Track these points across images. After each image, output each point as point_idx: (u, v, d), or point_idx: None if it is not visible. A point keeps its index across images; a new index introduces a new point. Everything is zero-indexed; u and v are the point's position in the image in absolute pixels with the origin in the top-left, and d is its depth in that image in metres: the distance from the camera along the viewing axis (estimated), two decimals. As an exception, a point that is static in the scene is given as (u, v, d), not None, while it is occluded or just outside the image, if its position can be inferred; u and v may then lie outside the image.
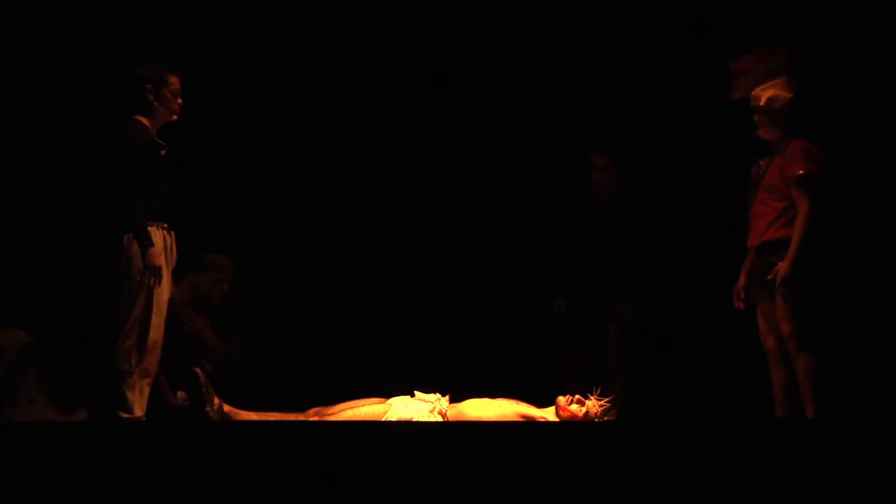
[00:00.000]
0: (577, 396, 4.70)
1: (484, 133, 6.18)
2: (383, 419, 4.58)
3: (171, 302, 4.73)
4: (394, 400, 4.72)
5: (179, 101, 4.65)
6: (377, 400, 4.72)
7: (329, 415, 4.62)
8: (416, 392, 4.76)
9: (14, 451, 3.55)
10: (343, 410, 4.62)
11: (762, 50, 4.80)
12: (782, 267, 4.49)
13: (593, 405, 4.67)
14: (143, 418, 4.46)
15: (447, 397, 4.76)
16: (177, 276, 4.83)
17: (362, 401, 4.70)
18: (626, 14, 6.01)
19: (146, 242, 4.44)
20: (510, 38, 6.10)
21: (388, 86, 6.18)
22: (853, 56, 5.46)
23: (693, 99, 5.82)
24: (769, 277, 4.54)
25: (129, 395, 4.40)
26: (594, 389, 4.74)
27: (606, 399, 4.72)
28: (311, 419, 4.63)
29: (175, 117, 4.66)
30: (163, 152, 4.59)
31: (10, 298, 5.25)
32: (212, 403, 4.56)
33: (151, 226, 4.49)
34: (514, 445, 3.69)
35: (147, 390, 4.49)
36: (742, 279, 4.77)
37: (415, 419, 4.57)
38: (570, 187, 5.93)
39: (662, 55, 5.96)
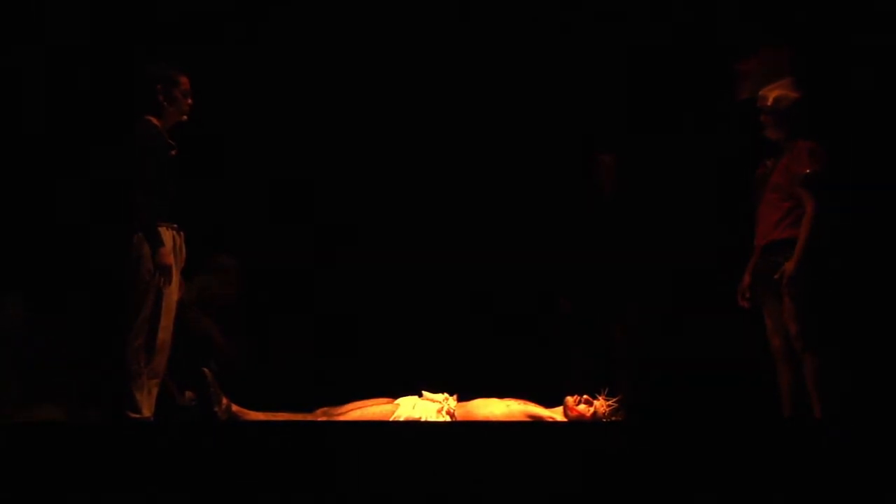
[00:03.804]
0: (585, 396, 4.71)
1: (489, 133, 6.18)
2: (391, 419, 4.59)
3: (179, 302, 4.74)
4: (402, 400, 4.73)
5: (189, 101, 4.66)
6: (385, 400, 4.73)
7: (337, 415, 4.63)
8: (424, 392, 4.77)
9: (21, 451, 3.55)
10: (351, 410, 4.63)
11: (766, 51, 4.81)
12: (789, 266, 4.49)
13: (601, 405, 4.68)
14: (152, 418, 4.46)
15: (455, 397, 4.77)
16: (185, 276, 4.83)
17: (370, 401, 4.71)
18: (628, 14, 6.02)
19: (156, 242, 4.44)
20: (511, 38, 6.11)
21: (391, 87, 6.18)
22: (854, 56, 5.47)
23: (698, 98, 5.83)
24: (776, 277, 4.54)
25: (138, 395, 4.39)
26: (601, 389, 4.75)
27: (614, 399, 4.73)
28: (318, 419, 4.64)
29: (185, 117, 4.68)
30: (173, 153, 4.60)
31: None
32: (220, 404, 4.57)
33: (161, 226, 4.49)
34: (523, 445, 3.69)
35: (155, 390, 4.49)
36: (746, 278, 4.78)
37: (423, 419, 4.58)
38: (576, 187, 5.93)
39: (665, 55, 5.97)
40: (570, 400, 4.70)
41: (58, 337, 5.24)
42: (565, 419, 4.68)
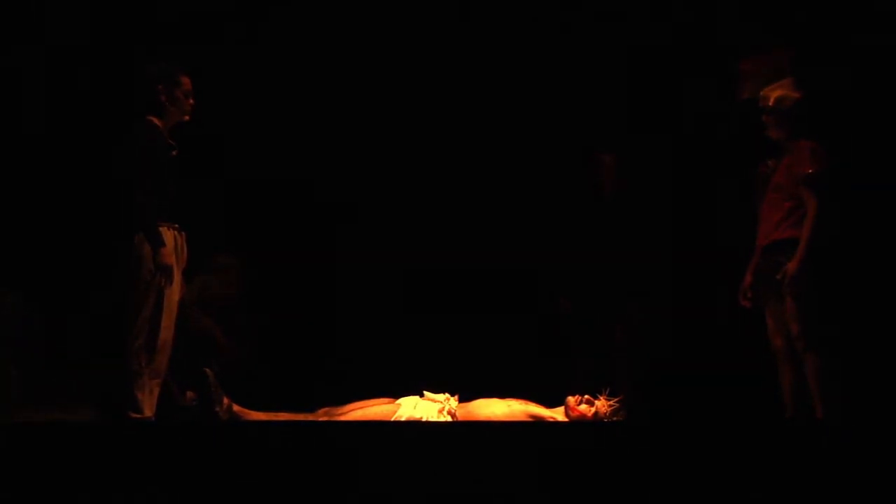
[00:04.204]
0: (586, 396, 4.71)
1: (490, 134, 6.18)
2: (393, 419, 4.59)
3: (181, 302, 4.73)
4: (403, 400, 4.73)
5: (191, 101, 4.65)
6: (386, 400, 4.74)
7: (338, 415, 4.63)
8: (426, 392, 4.77)
9: (21, 451, 3.55)
10: (352, 410, 4.63)
11: (766, 51, 4.81)
12: (791, 266, 4.49)
13: (602, 405, 4.69)
14: (153, 418, 4.46)
15: (456, 397, 4.77)
16: (186, 276, 4.83)
17: (372, 401, 4.72)
18: (628, 14, 6.02)
19: (157, 242, 4.43)
20: (512, 38, 6.11)
21: (391, 87, 6.18)
22: (854, 56, 5.47)
23: (698, 98, 5.83)
24: (778, 277, 4.54)
25: (139, 395, 4.38)
26: (603, 390, 4.75)
27: (615, 399, 4.73)
28: (320, 419, 4.64)
29: (187, 118, 4.67)
30: (173, 153, 4.59)
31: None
32: (221, 404, 4.57)
33: (162, 226, 4.48)
34: (524, 445, 3.69)
35: (157, 390, 4.47)
36: (748, 278, 4.77)
37: (424, 419, 4.58)
38: (576, 187, 5.93)
39: (665, 55, 5.97)
40: (571, 400, 4.71)
41: (58, 337, 5.23)
42: (566, 419, 4.69)
